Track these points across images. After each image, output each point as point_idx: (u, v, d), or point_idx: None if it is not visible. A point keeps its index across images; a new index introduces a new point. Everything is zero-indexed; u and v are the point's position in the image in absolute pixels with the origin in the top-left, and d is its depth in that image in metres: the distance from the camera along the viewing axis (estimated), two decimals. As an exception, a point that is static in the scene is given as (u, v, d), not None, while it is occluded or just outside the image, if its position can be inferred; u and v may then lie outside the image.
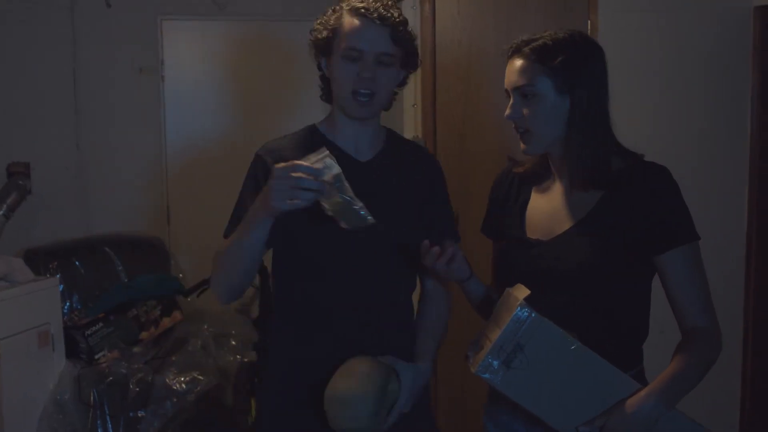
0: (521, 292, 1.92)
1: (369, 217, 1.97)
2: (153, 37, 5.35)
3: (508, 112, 2.11)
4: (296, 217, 2.15)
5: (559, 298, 2.05)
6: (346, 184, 1.94)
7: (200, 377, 3.78)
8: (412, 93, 4.26)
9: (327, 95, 2.35)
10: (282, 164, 1.93)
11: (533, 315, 1.87)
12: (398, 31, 2.20)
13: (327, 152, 1.94)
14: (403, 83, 2.34)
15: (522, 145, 2.14)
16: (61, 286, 4.06)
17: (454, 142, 4.07)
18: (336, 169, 1.93)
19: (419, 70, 4.17)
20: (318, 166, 1.93)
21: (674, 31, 3.85)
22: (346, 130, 2.30)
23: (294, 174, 1.90)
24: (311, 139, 2.30)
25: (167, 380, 3.71)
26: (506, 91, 2.14)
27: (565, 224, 2.12)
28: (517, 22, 3.97)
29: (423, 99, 4.20)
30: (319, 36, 2.25)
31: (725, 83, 3.85)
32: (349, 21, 2.21)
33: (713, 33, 3.83)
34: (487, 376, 1.90)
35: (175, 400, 3.66)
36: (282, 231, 2.22)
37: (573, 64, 2.06)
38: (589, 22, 3.85)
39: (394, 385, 2.14)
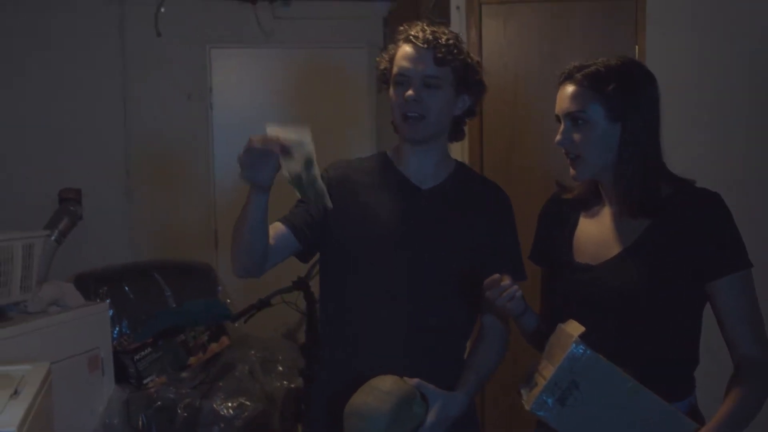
0: (575, 328, 1.90)
1: (328, 202, 2.01)
2: (201, 65, 5.42)
3: (558, 138, 2.11)
4: (352, 243, 2.22)
5: (608, 323, 2.04)
6: (315, 169, 1.96)
7: (247, 403, 3.78)
8: (458, 118, 4.25)
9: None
10: (254, 136, 1.98)
11: (588, 352, 1.86)
12: (443, 53, 2.22)
13: (308, 129, 1.98)
14: (468, 111, 2.35)
15: (572, 171, 2.14)
16: (111, 311, 4.09)
17: (501, 166, 4.05)
18: (308, 147, 1.97)
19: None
20: (292, 137, 1.97)
21: (720, 51, 3.83)
22: (409, 158, 2.32)
23: (255, 146, 1.95)
24: (378, 166, 2.36)
25: (215, 405, 3.71)
26: (557, 116, 2.13)
27: (614, 249, 2.10)
28: (563, 46, 3.96)
29: (469, 123, 4.18)
30: (380, 67, 2.32)
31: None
32: (400, 49, 2.26)
33: (759, 52, 3.80)
34: (541, 413, 1.89)
35: (222, 425, 3.67)
36: (336, 256, 2.24)
37: (625, 92, 2.06)
38: (636, 46, 3.84)
39: (419, 408, 2.11)
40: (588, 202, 2.22)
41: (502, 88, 4.05)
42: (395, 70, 2.24)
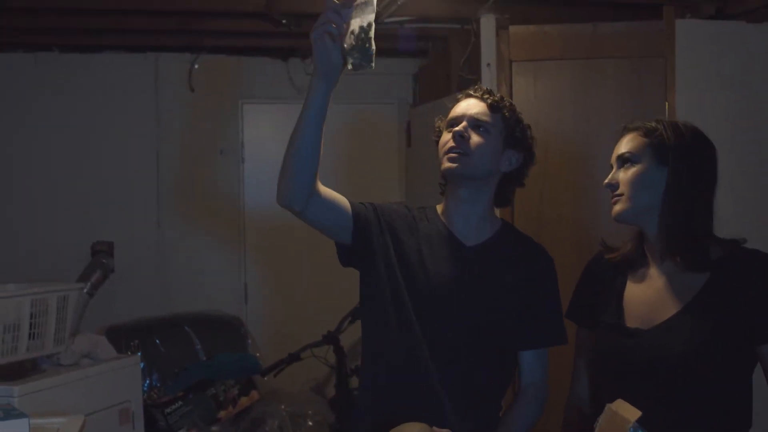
0: (630, 412, 1.86)
1: (372, 63, 2.01)
2: (234, 120, 5.49)
3: (607, 180, 2.19)
4: (398, 287, 2.24)
5: (659, 389, 2.04)
6: (371, 33, 1.97)
7: (277, 457, 3.78)
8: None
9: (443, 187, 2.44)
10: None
11: None
12: (495, 101, 2.31)
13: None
14: (516, 173, 2.38)
15: (614, 210, 2.17)
16: (142, 363, 4.10)
17: (533, 223, 4.06)
18: (370, 15, 1.97)
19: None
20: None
21: (749, 108, 3.84)
22: (453, 213, 2.36)
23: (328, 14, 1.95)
24: (426, 216, 2.39)
25: (245, 460, 3.71)
26: (611, 164, 2.22)
27: (664, 313, 2.09)
28: (593, 103, 4.00)
29: (500, 179, 4.21)
30: (437, 126, 2.40)
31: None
32: (457, 102, 2.36)
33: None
34: None
35: (252, 480, 3.67)
36: (377, 312, 2.25)
37: (678, 142, 2.12)
38: (666, 103, 3.86)
39: None
40: (633, 263, 2.22)
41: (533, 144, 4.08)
42: (449, 117, 2.32)
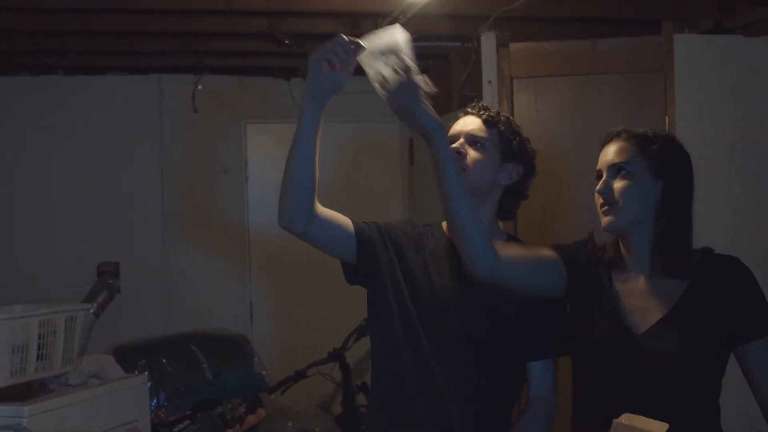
0: (653, 425, 1.85)
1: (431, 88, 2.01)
2: (237, 140, 5.53)
3: (599, 186, 2.16)
4: (406, 303, 2.26)
5: (649, 390, 2.07)
6: (406, 60, 1.96)
7: (285, 475, 3.78)
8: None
9: None
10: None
11: None
12: (490, 116, 2.33)
13: (398, 27, 1.99)
14: (518, 185, 2.40)
15: (604, 219, 2.16)
16: (149, 383, 4.11)
17: (533, 236, 4.08)
18: (399, 42, 1.97)
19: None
20: (383, 39, 1.99)
21: (749, 121, 3.87)
22: None
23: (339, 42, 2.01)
24: (432, 232, 2.41)
25: (252, 478, 3.72)
26: (599, 171, 2.19)
27: (652, 317, 2.12)
28: (593, 118, 4.03)
29: (502, 195, 4.24)
30: None
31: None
32: (456, 120, 2.39)
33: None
34: None
35: (260, 497, 3.67)
36: (384, 328, 2.27)
37: (668, 154, 2.15)
38: (666, 117, 3.88)
39: None
40: (616, 265, 2.23)
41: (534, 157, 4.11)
42: (447, 135, 2.28)
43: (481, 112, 2.36)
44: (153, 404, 4.23)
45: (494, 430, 2.32)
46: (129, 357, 4.35)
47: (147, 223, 5.39)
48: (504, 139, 2.34)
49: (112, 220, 5.33)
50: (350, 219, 2.34)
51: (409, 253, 2.34)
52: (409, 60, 1.98)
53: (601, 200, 2.17)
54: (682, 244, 2.13)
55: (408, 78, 2.01)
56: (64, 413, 3.25)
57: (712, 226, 3.75)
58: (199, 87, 5.41)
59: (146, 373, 4.09)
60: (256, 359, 4.74)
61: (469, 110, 2.39)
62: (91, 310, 4.42)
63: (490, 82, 4.17)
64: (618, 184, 2.13)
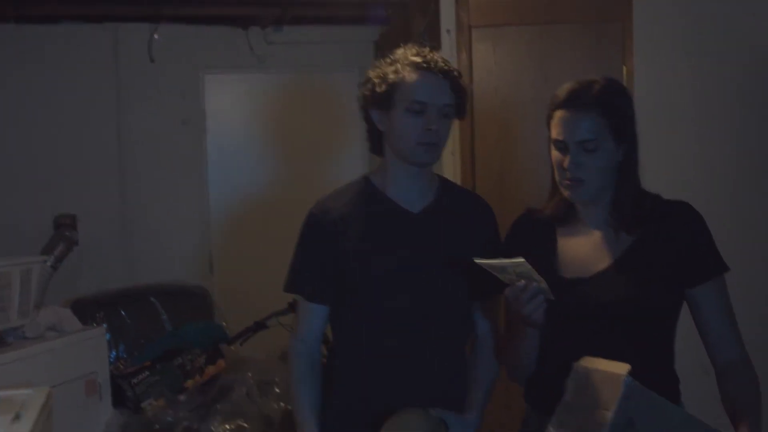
0: (617, 366, 1.88)
1: (549, 295, 2.01)
2: (195, 91, 5.47)
3: (568, 164, 2.12)
4: (355, 279, 2.27)
5: (600, 335, 2.10)
6: (534, 275, 1.98)
7: (245, 425, 3.79)
8: (450, 140, 4.29)
9: (378, 147, 2.38)
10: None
11: (640, 388, 1.85)
12: (458, 83, 2.28)
13: (522, 261, 1.95)
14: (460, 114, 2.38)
15: (570, 193, 2.16)
16: (108, 335, 4.10)
17: (494, 188, 4.09)
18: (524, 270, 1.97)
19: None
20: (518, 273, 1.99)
21: (707, 73, 3.89)
22: (400, 182, 2.34)
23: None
24: (363, 195, 2.36)
25: (212, 428, 3.72)
26: (561, 142, 2.14)
27: (603, 263, 2.15)
28: (552, 69, 4.02)
29: (462, 146, 4.24)
30: (378, 90, 2.27)
31: (759, 122, 3.87)
32: (412, 75, 2.25)
33: (746, 74, 3.86)
34: None
35: (220, 448, 3.68)
36: (341, 281, 2.28)
37: (626, 116, 2.14)
38: (624, 68, 3.89)
39: None
40: (563, 220, 2.26)
41: (493, 111, 4.10)
42: (410, 97, 2.23)
43: (445, 75, 2.26)
44: (112, 356, 4.21)
45: (456, 376, 2.37)
46: (87, 310, 4.31)
47: (104, 175, 5.34)
48: (462, 100, 2.32)
49: (69, 172, 5.27)
50: (312, 302, 2.39)
51: (350, 232, 2.31)
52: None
53: (567, 175, 2.14)
54: (639, 200, 2.16)
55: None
56: (21, 366, 3.24)
57: (671, 178, 3.81)
58: (156, 37, 5.33)
59: (105, 326, 4.08)
60: (215, 310, 4.73)
61: (432, 69, 2.26)
62: (48, 263, 4.39)
63: (448, 31, 4.14)
64: (587, 161, 2.10)
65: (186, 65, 5.45)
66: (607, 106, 2.10)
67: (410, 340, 2.28)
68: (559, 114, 2.13)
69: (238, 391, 3.97)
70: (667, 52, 3.96)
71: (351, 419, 2.31)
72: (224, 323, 4.60)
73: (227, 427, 3.75)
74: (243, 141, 5.51)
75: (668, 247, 2.12)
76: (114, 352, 4.26)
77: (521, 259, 1.93)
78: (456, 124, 4.25)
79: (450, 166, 4.32)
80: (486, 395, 2.37)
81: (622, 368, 1.86)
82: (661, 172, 3.80)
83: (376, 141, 2.38)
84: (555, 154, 2.17)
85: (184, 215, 5.47)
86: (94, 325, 4.12)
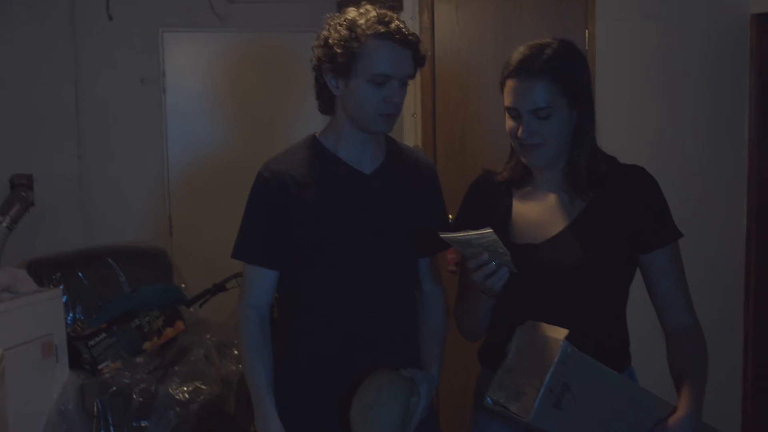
0: (556, 331, 1.90)
1: (513, 268, 1.97)
2: (154, 49, 5.39)
3: (522, 133, 2.08)
4: (310, 231, 2.23)
5: (552, 300, 2.09)
6: (499, 246, 1.93)
7: (203, 387, 3.79)
8: (412, 102, 4.28)
9: (328, 108, 2.33)
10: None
11: (576, 353, 1.87)
12: (419, 52, 2.23)
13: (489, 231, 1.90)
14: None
15: (527, 159, 2.14)
16: (65, 297, 4.07)
17: (454, 150, 4.09)
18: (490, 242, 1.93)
19: (419, 80, 4.21)
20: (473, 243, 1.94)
21: (672, 39, 3.87)
22: (352, 143, 2.30)
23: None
24: (313, 156, 2.31)
25: (170, 390, 3.72)
26: (512, 109, 2.11)
27: (556, 227, 2.14)
28: (515, 32, 4.00)
29: (423, 108, 4.22)
30: (340, 59, 2.18)
31: (723, 90, 3.88)
32: (376, 46, 2.17)
33: (711, 40, 3.85)
34: (541, 422, 1.87)
35: (178, 409, 3.68)
36: (294, 244, 2.26)
37: (580, 81, 2.10)
38: (586, 31, 3.88)
39: (416, 398, 2.18)
40: (518, 183, 2.24)
41: (455, 73, 4.08)
42: (373, 69, 2.17)
43: (408, 46, 2.20)
44: (69, 318, 4.19)
45: (412, 333, 2.39)
46: (44, 271, 4.28)
47: (62, 134, 5.25)
48: (419, 68, 2.29)
49: (25, 132, 5.18)
50: (261, 266, 2.32)
51: (296, 200, 2.26)
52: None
53: (521, 142, 2.11)
54: (594, 164, 2.14)
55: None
56: (-25, 327, 3.21)
57: (632, 141, 3.81)
58: (114, -7, 5.24)
59: (61, 287, 4.05)
60: (174, 272, 4.71)
61: (396, 39, 2.18)
62: (4, 224, 4.35)
63: (411, -8, 4.11)
64: (542, 127, 2.07)
65: (145, 23, 5.36)
66: (560, 72, 2.06)
67: (368, 300, 2.28)
68: (511, 82, 2.10)
69: (196, 353, 3.97)
70: (629, 15, 3.94)
71: (310, 384, 2.30)
72: (183, 285, 4.59)
73: (185, 388, 3.75)
74: (203, 101, 5.45)
75: (622, 212, 2.10)
76: (71, 314, 4.24)
77: (488, 230, 1.89)
78: (418, 87, 4.28)
79: (411, 128, 4.31)
80: (441, 350, 2.39)
81: (560, 333, 1.88)
82: (622, 137, 3.83)
83: (328, 102, 2.33)
84: (509, 121, 2.13)
85: (142, 176, 5.41)
86: (51, 286, 4.09)
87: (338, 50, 2.18)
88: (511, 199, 2.24)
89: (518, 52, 2.11)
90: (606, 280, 2.11)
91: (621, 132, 3.83)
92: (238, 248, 2.34)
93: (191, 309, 4.40)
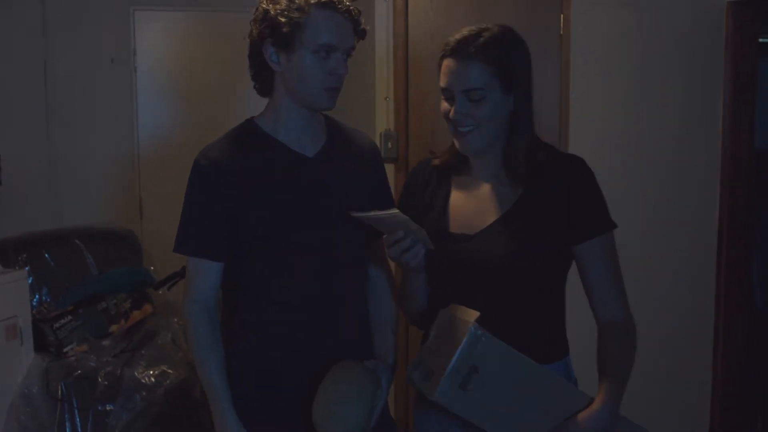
0: (468, 314, 1.94)
1: (429, 244, 2.06)
2: (125, 28, 5.30)
3: (453, 114, 2.11)
4: (254, 220, 2.18)
5: (485, 291, 2.11)
6: (410, 224, 2.02)
7: (169, 371, 3.75)
8: (384, 86, 4.25)
9: (267, 88, 2.28)
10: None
11: (486, 336, 1.89)
12: (359, 24, 2.20)
13: (396, 211, 2.02)
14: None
15: (459, 144, 2.16)
16: (30, 278, 4.01)
17: (426, 135, 4.07)
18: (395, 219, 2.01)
19: (392, 63, 4.18)
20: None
21: (648, 25, 3.88)
22: (292, 124, 2.25)
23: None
24: (253, 141, 2.26)
25: (136, 373, 3.68)
26: (447, 90, 2.13)
27: (489, 218, 2.14)
28: (489, 16, 3.97)
29: (395, 92, 4.20)
30: (283, 30, 2.13)
31: (698, 77, 3.88)
32: (319, 15, 2.13)
33: (687, 27, 3.86)
34: (445, 401, 1.91)
35: (144, 393, 3.64)
36: (237, 234, 2.20)
37: (516, 65, 2.11)
38: (561, 16, 3.87)
39: (380, 391, 2.18)
40: (456, 170, 2.25)
41: (428, 58, 4.05)
42: (318, 40, 2.13)
43: (349, 17, 2.17)
44: (35, 300, 4.14)
45: (364, 320, 2.36)
46: (9, 252, 4.22)
47: (30, 113, 5.17)
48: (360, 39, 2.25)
49: (-8, 110, 5.11)
50: (207, 258, 2.26)
51: (239, 189, 2.21)
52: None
53: (455, 126, 2.14)
54: (530, 153, 2.14)
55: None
56: (-64, 309, 3.16)
57: (606, 128, 3.81)
58: (84, -30, 5.16)
59: (27, 269, 4.00)
60: (143, 255, 4.66)
61: (338, 10, 2.14)
62: (-32, 204, 4.27)
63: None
64: (475, 110, 2.09)
65: (115, 1, 5.28)
66: (495, 55, 2.07)
67: (316, 288, 2.22)
68: (446, 62, 2.11)
69: (164, 336, 3.94)
70: (606, 0, 3.94)
71: (264, 376, 2.24)
72: (152, 268, 4.54)
73: (151, 372, 3.71)
74: (173, 80, 5.37)
75: (555, 202, 2.10)
76: (37, 296, 4.19)
77: (395, 210, 1.99)
78: (391, 70, 4.25)
79: (383, 111, 4.28)
80: (395, 337, 2.35)
81: (472, 315, 1.92)
82: (596, 122, 3.83)
83: (266, 82, 2.27)
84: (444, 103, 2.15)
85: (112, 156, 5.34)
86: (16, 267, 4.04)
87: (282, 20, 2.12)
88: (450, 187, 2.25)
89: (457, 34, 2.13)
90: (538, 272, 2.11)
91: (595, 118, 3.84)
92: (179, 241, 2.29)
93: (159, 292, 4.36)
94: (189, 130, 5.36)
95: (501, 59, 2.07)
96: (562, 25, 3.85)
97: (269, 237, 2.19)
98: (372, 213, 2.00)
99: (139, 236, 4.91)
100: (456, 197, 2.23)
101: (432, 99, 4.04)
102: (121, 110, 5.32)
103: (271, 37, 2.17)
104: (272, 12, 2.15)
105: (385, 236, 2.08)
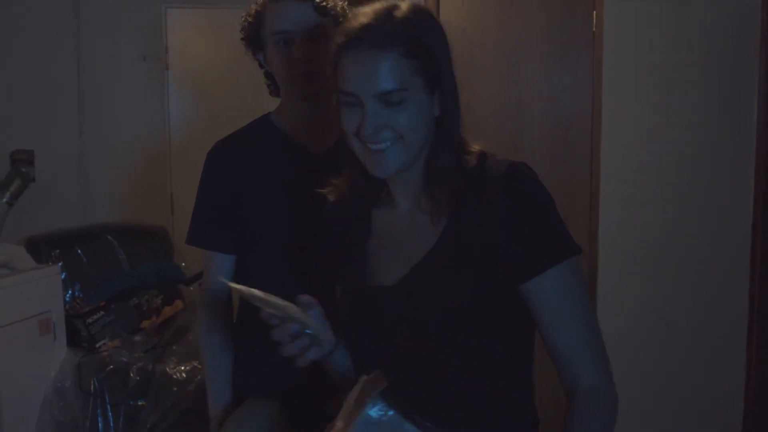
0: (378, 382, 1.49)
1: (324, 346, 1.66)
2: (157, 25, 5.33)
3: (364, 129, 1.55)
4: (261, 215, 2.18)
5: (419, 352, 1.59)
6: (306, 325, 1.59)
7: (200, 366, 3.76)
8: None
9: (275, 90, 2.31)
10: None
11: (389, 413, 1.46)
12: (318, 2, 2.13)
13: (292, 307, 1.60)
14: None
15: (372, 166, 1.61)
16: (63, 274, 4.04)
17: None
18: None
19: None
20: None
21: (681, 20, 3.83)
22: (294, 119, 2.24)
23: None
24: (263, 135, 2.26)
25: (167, 369, 3.69)
26: (349, 94, 1.56)
27: (412, 260, 1.62)
28: (521, 11, 3.96)
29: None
30: (250, 32, 2.19)
31: (731, 74, 3.84)
32: (271, 7, 2.15)
33: (720, 23, 3.81)
34: None
35: (175, 389, 3.65)
36: (246, 228, 2.20)
37: (440, 54, 1.60)
38: (594, 12, 3.83)
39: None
40: (374, 199, 1.76)
41: (458, 53, 4.03)
42: (271, 29, 2.13)
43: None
44: (68, 296, 4.17)
45: None
46: (42, 248, 4.26)
47: (63, 110, 5.21)
48: (338, 18, 2.17)
49: (26, 107, 5.13)
50: (221, 252, 2.25)
51: (245, 185, 2.22)
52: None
53: (366, 143, 1.58)
54: (458, 168, 1.61)
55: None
56: (-29, 304, 3.19)
57: (637, 127, 3.77)
58: (117, -31, 5.19)
59: (60, 264, 4.02)
60: (175, 251, 4.68)
61: None
62: (4, 199, 4.32)
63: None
64: (391, 116, 1.54)
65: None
66: (415, 43, 1.53)
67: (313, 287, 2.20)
68: (346, 57, 1.55)
69: (194, 332, 3.94)
70: (637, -3, 3.90)
71: (265, 374, 2.21)
72: (183, 264, 4.56)
73: (182, 368, 3.73)
74: (205, 77, 5.40)
75: (490, 230, 1.54)
76: (69, 292, 4.22)
77: (290, 304, 1.57)
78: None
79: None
80: None
81: (380, 385, 1.48)
82: (629, 120, 3.80)
83: (273, 82, 2.30)
84: (345, 113, 1.59)
85: (144, 153, 5.37)
86: (50, 263, 4.07)
87: (249, 21, 2.20)
88: (370, 223, 1.75)
89: (357, 16, 1.57)
90: (476, 327, 1.56)
91: (628, 114, 3.81)
92: (191, 234, 2.29)
93: (191, 288, 4.38)
94: (220, 127, 5.34)
95: (421, 47, 1.54)
96: (594, 22, 3.82)
97: (275, 232, 2.18)
98: (259, 293, 1.56)
99: (170, 232, 4.93)
100: (376, 233, 1.72)
101: (462, 95, 4.03)
102: (152, 107, 5.35)
103: (246, 40, 2.24)
104: (243, 20, 2.23)
105: (277, 327, 1.59)
